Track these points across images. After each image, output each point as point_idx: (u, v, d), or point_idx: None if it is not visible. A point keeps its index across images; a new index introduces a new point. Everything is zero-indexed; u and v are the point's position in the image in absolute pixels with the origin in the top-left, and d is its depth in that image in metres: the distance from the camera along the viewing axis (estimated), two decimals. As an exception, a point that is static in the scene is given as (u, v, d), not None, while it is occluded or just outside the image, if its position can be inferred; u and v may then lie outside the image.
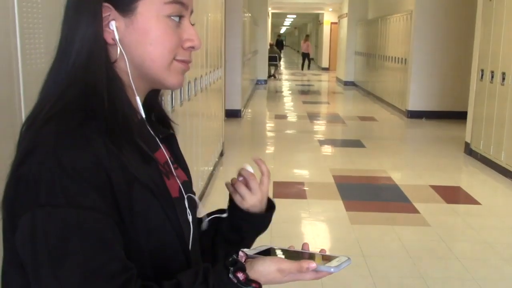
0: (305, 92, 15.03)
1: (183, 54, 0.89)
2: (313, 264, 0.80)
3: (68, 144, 0.75)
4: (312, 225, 4.40)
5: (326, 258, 0.85)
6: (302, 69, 23.25)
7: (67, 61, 0.83)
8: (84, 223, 0.72)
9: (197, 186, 4.31)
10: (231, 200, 1.04)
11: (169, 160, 0.94)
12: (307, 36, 22.60)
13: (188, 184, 0.97)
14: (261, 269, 0.81)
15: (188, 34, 0.88)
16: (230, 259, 0.82)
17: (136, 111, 0.88)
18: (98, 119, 0.79)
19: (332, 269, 0.82)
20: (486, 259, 3.72)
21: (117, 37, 0.84)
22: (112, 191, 0.76)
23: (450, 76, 9.62)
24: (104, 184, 0.75)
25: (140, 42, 0.85)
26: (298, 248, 0.90)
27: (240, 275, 0.79)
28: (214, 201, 4.69)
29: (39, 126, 0.78)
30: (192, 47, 0.90)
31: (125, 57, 0.85)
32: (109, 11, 0.83)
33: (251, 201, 1.02)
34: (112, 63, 0.85)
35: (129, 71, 0.86)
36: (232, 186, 1.03)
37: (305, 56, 22.99)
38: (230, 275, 0.79)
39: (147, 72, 0.87)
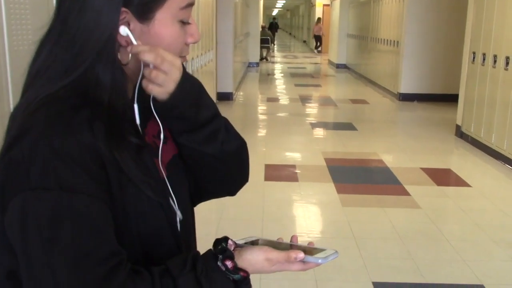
0: (297, 75, 14.99)
1: (186, 50, 0.91)
2: (301, 255, 0.81)
3: (59, 129, 0.74)
4: (304, 208, 4.42)
5: (314, 250, 0.85)
6: (316, 50, 23.65)
7: (71, 50, 0.81)
8: (75, 207, 0.72)
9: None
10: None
11: (154, 137, 0.92)
12: (319, 19, 22.88)
13: (177, 159, 0.96)
14: (250, 258, 0.81)
15: (191, 30, 0.89)
16: (219, 247, 0.82)
17: (130, 105, 0.86)
18: (94, 108, 0.78)
19: (319, 260, 0.82)
20: (476, 241, 3.76)
21: (134, 40, 0.83)
22: (105, 175, 0.76)
23: (442, 59, 9.62)
24: (96, 168, 0.75)
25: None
26: (286, 240, 0.90)
27: (229, 263, 0.80)
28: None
29: (31, 111, 0.77)
30: (193, 42, 0.91)
31: (135, 58, 0.84)
32: (125, 14, 0.82)
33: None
34: (120, 63, 0.84)
35: (133, 70, 0.85)
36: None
37: (318, 38, 23.31)
38: (219, 263, 0.80)
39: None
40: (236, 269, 0.80)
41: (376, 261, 3.37)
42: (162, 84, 0.83)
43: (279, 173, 5.29)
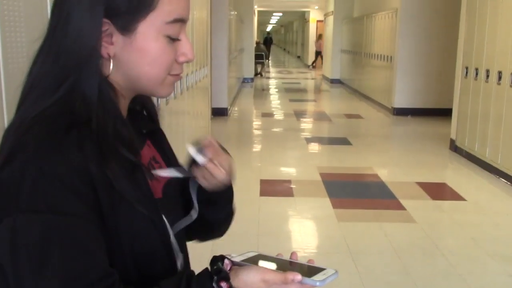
0: (291, 90, 15.04)
1: (177, 69, 0.88)
2: (298, 277, 0.78)
3: (50, 149, 0.73)
4: (299, 223, 4.40)
5: (313, 270, 0.83)
6: (313, 65, 23.69)
7: (58, 63, 0.80)
8: (65, 230, 0.71)
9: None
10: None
11: (151, 160, 0.93)
12: (320, 35, 23.11)
13: (172, 183, 0.96)
14: (245, 279, 0.79)
15: (183, 49, 0.87)
16: (215, 267, 0.80)
17: (123, 119, 0.86)
18: (84, 126, 0.77)
19: (317, 283, 0.79)
20: (471, 255, 3.76)
21: (201, 160, 0.92)
22: (95, 196, 0.75)
23: (435, 73, 9.69)
24: (86, 189, 0.74)
25: (137, 62, 0.83)
26: (287, 256, 0.88)
27: (224, 285, 0.78)
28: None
29: (23, 130, 0.76)
30: (186, 61, 0.89)
31: (121, 72, 0.84)
32: (107, 26, 0.80)
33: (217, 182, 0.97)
34: (105, 76, 0.83)
35: (121, 84, 0.86)
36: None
37: (318, 53, 23.48)
38: (214, 284, 0.78)
39: (141, 87, 0.87)
40: None
41: (372, 276, 3.35)
42: (213, 184, 0.96)
43: (274, 188, 5.28)
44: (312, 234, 4.26)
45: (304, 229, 4.29)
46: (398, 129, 9.27)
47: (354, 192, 5.26)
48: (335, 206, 4.69)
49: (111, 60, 0.82)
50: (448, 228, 4.41)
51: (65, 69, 0.79)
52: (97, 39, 0.79)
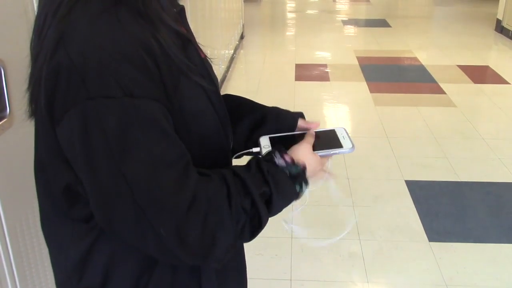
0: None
1: None
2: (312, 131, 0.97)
3: (105, 27, 0.66)
4: (335, 107, 4.35)
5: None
6: None
7: None
8: (140, 113, 0.66)
9: (218, 69, 4.24)
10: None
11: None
12: None
13: (209, 62, 0.91)
14: (298, 151, 0.86)
15: None
16: (273, 148, 0.86)
17: None
18: (130, 1, 0.69)
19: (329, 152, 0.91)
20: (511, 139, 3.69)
21: None
22: (161, 75, 0.69)
23: None
24: (152, 68, 0.68)
25: None
26: None
27: (288, 158, 0.82)
28: (235, 85, 4.64)
29: (65, 12, 0.68)
30: None
31: None
32: None
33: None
34: None
35: None
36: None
37: None
38: (278, 160, 0.82)
39: None
40: (295, 162, 0.83)
41: (409, 160, 3.34)
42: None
43: (309, 72, 5.18)
44: (348, 119, 4.23)
45: (340, 114, 4.25)
46: (441, 10, 8.81)
47: (392, 76, 5.12)
48: (372, 90, 4.60)
49: None
50: (489, 112, 4.29)
51: None
52: None
